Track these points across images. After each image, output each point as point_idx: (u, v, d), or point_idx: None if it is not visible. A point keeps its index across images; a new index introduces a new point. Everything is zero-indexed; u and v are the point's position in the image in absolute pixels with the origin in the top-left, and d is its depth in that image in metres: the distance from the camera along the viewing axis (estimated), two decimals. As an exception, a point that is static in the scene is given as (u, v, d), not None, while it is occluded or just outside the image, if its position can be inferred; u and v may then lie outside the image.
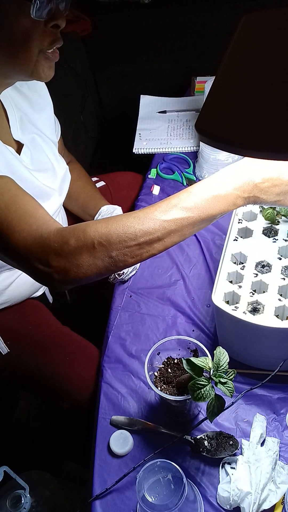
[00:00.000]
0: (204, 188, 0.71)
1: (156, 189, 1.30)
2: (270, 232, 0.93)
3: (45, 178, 0.99)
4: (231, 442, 0.81)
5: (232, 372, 0.75)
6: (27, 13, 0.73)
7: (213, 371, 0.74)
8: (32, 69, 0.81)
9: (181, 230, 0.71)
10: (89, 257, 0.71)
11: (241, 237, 0.93)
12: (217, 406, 0.73)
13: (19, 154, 0.92)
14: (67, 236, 0.72)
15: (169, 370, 0.86)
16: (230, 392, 0.73)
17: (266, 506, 0.74)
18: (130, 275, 1.11)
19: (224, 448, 0.81)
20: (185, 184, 1.31)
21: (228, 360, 0.75)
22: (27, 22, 0.75)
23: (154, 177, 1.34)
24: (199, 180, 1.30)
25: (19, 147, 0.93)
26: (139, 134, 1.48)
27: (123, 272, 1.08)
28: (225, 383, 0.73)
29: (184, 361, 0.75)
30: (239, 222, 0.95)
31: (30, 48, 0.77)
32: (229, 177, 0.72)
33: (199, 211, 0.70)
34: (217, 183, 0.71)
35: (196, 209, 0.70)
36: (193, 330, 1.00)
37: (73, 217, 1.25)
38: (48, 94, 1.04)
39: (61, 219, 1.15)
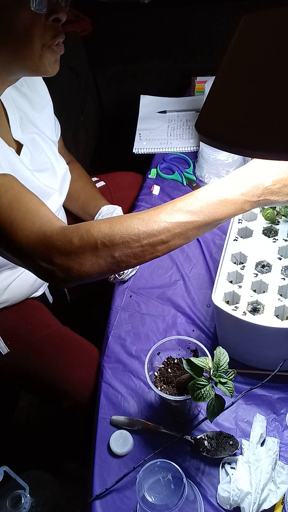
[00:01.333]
0: (211, 192, 0.71)
1: (156, 189, 1.30)
2: (270, 232, 0.93)
3: (45, 178, 0.99)
4: (231, 442, 0.81)
5: (232, 372, 0.75)
6: (27, 7, 0.73)
7: (213, 371, 0.74)
8: (37, 64, 0.80)
9: (185, 233, 0.70)
10: (91, 256, 0.71)
11: (241, 237, 0.93)
12: (217, 406, 0.73)
13: (19, 155, 0.92)
14: (70, 235, 0.72)
15: (169, 370, 0.86)
16: (230, 392, 0.73)
17: (266, 506, 0.74)
18: (130, 275, 1.11)
19: (224, 448, 0.81)
20: (185, 184, 1.30)
21: (228, 360, 0.75)
22: (28, 16, 0.75)
23: (154, 177, 1.34)
24: (199, 180, 1.30)
25: (18, 147, 0.93)
26: (139, 134, 1.48)
27: (123, 272, 1.08)
28: (225, 383, 0.73)
29: (184, 361, 0.75)
30: (239, 222, 0.95)
31: (32, 43, 0.77)
32: (237, 182, 0.71)
33: (205, 215, 0.70)
34: (224, 188, 0.71)
35: (201, 213, 0.70)
36: (193, 330, 1.00)
37: (73, 217, 1.25)
38: (48, 93, 1.04)
39: (61, 219, 1.15)
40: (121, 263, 0.71)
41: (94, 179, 1.37)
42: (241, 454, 0.80)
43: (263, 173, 0.71)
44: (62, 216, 1.17)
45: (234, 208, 0.71)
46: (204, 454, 0.81)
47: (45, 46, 0.79)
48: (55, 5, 0.76)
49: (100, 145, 2.30)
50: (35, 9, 0.74)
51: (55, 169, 1.04)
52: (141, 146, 1.44)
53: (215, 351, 0.75)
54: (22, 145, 0.93)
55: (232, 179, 0.72)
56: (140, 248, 0.70)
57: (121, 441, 0.84)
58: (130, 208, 1.34)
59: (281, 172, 0.71)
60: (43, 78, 1.02)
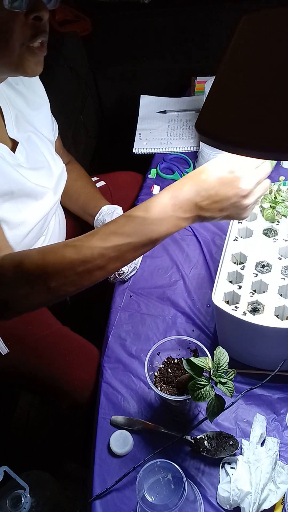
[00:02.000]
0: (143, 211, 0.68)
1: (156, 189, 1.30)
2: (270, 232, 0.93)
3: (40, 177, 0.98)
4: (231, 442, 0.81)
5: (232, 372, 0.75)
6: (3, 4, 0.69)
7: (213, 371, 0.74)
8: (16, 64, 0.76)
9: (122, 256, 0.69)
10: (27, 289, 0.69)
11: (241, 237, 0.93)
12: (217, 406, 0.73)
13: (14, 152, 0.91)
14: (5, 268, 0.70)
15: (169, 370, 0.86)
16: (230, 392, 0.73)
17: (266, 506, 0.74)
18: (130, 275, 1.11)
19: (224, 448, 0.81)
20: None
21: (228, 360, 0.75)
22: (5, 14, 0.70)
23: (154, 177, 1.34)
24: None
25: (14, 145, 0.93)
26: (139, 134, 1.48)
27: (123, 272, 1.08)
28: (225, 383, 0.73)
29: (184, 361, 0.75)
30: (239, 222, 0.95)
31: (10, 41, 0.73)
32: (169, 198, 0.68)
33: (138, 236, 0.68)
34: (155, 205, 0.68)
35: (135, 235, 0.67)
36: (193, 330, 1.00)
37: (73, 217, 1.24)
38: (45, 92, 1.04)
39: (59, 219, 1.15)
40: (59, 292, 0.70)
41: (94, 179, 1.37)
42: (241, 454, 0.80)
43: (196, 187, 0.68)
44: (60, 216, 1.17)
45: (167, 226, 0.68)
46: (204, 454, 0.81)
47: (25, 45, 0.75)
48: (36, 3, 0.72)
49: (100, 145, 2.30)
50: (9, 7, 0.69)
51: (51, 167, 1.03)
52: (141, 146, 1.44)
53: (215, 351, 0.75)
54: (18, 142, 0.93)
55: (164, 195, 0.69)
56: (75, 276, 0.68)
57: (121, 441, 0.84)
58: (130, 207, 1.34)
59: (209, 188, 0.68)
60: (41, 78, 1.02)
